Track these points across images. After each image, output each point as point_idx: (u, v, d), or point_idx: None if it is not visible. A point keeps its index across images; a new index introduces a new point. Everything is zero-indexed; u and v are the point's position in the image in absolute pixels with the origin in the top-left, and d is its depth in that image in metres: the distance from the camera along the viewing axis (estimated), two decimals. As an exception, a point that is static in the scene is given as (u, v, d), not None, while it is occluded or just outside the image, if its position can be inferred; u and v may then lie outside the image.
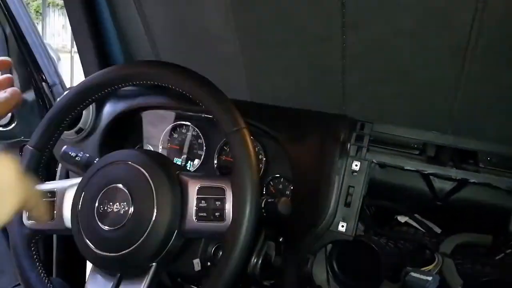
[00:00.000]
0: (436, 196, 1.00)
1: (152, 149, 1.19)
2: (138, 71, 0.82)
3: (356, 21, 0.93)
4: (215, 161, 1.10)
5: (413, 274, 0.85)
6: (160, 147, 1.18)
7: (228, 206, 0.73)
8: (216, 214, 0.74)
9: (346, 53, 0.99)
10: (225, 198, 0.74)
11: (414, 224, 1.06)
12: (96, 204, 0.78)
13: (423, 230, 1.03)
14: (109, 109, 1.13)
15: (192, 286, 1.04)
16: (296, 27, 1.01)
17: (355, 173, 0.87)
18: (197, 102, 0.78)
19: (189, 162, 1.15)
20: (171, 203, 0.75)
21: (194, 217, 0.75)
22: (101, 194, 0.79)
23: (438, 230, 1.05)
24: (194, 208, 0.75)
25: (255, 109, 0.87)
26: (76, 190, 0.83)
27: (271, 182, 1.05)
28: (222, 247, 0.86)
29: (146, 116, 1.20)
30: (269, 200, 0.81)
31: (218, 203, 0.74)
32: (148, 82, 0.80)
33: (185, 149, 1.15)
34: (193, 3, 1.07)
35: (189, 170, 1.12)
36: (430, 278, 0.82)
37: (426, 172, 0.90)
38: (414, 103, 1.00)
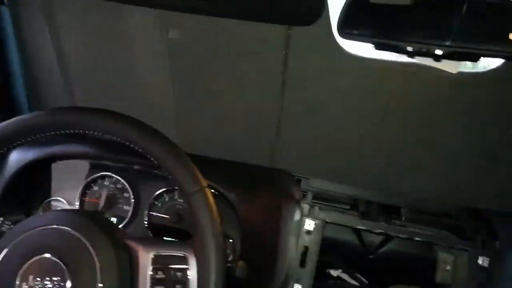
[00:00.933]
0: (367, 249, 1.04)
1: (65, 203, 1.03)
2: (75, 118, 0.70)
3: (296, 80, 0.95)
4: (145, 219, 0.99)
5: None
6: (77, 202, 1.02)
7: (192, 277, 0.65)
8: (177, 286, 0.65)
9: (283, 109, 1.00)
10: (188, 268, 0.65)
11: (346, 277, 1.09)
12: (17, 282, 0.63)
13: (356, 283, 1.06)
14: (17, 157, 0.95)
15: None
16: (237, 79, 0.99)
17: (310, 233, 0.86)
18: (148, 157, 0.69)
19: (112, 218, 1.02)
20: (118, 276, 0.64)
21: None
22: (24, 267, 0.64)
23: (366, 281, 1.09)
24: (149, 280, 0.65)
25: (199, 162, 0.81)
26: None
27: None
28: None
29: (58, 166, 1.04)
30: (227, 265, 0.74)
31: (179, 274, 0.65)
32: (92, 131, 0.69)
33: (107, 204, 1.02)
34: (121, 42, 0.99)
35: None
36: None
37: (360, 228, 0.93)
38: (344, 160, 1.05)
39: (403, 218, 0.98)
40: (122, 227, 0.99)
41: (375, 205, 0.99)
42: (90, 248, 0.65)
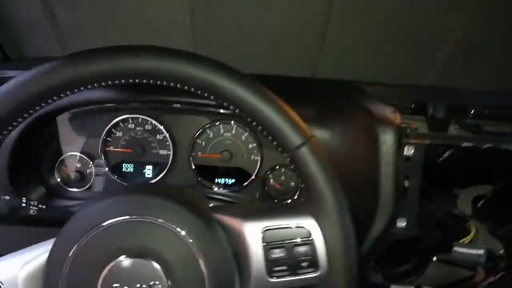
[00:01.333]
0: (434, 152, 0.94)
1: (85, 157, 0.84)
2: (146, 64, 0.48)
3: None
4: (192, 164, 0.83)
5: (459, 249, 0.79)
6: (102, 154, 0.82)
7: (320, 249, 0.52)
8: (303, 264, 0.52)
9: (332, 6, 0.80)
10: (311, 239, 0.52)
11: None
12: None
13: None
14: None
15: None
16: None
17: (409, 159, 0.73)
18: (225, 104, 0.51)
19: (146, 167, 0.85)
20: (227, 266, 0.51)
21: (267, 276, 0.52)
22: (102, 275, 0.49)
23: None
24: (264, 262, 0.52)
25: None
26: (45, 277, 0.50)
27: (270, 176, 0.83)
28: None
29: (66, 117, 0.81)
30: None
31: (303, 249, 0.52)
32: (164, 82, 0.49)
33: (138, 150, 0.83)
34: None
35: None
36: (481, 252, 0.77)
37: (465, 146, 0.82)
38: (403, 60, 0.90)
39: (471, 116, 0.87)
40: (164, 175, 0.83)
41: (442, 106, 0.87)
42: (184, 239, 0.50)
